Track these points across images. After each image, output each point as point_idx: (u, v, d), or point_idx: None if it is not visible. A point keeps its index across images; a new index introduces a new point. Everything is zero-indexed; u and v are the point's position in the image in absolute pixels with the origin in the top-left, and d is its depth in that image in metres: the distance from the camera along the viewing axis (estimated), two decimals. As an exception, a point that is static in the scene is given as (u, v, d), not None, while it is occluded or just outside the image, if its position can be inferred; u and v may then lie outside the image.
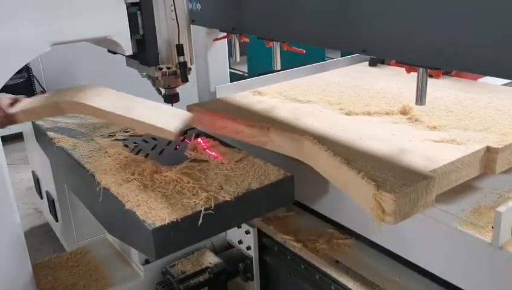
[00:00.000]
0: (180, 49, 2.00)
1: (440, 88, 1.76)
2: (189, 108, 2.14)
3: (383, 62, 2.91)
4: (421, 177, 1.43)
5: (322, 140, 1.69)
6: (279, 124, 1.90)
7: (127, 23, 1.89)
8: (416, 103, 1.63)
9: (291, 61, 2.83)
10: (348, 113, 2.05)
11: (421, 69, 1.61)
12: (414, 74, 2.56)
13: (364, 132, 1.82)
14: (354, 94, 2.31)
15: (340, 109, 2.10)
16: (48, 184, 3.47)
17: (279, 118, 1.99)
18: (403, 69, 2.67)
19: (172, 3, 1.96)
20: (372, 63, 2.90)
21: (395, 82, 2.48)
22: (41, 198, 3.84)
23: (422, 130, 1.82)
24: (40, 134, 2.33)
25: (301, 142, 1.71)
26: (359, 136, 1.78)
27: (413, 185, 1.38)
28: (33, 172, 3.91)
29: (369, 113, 2.04)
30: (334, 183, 1.59)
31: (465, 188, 1.66)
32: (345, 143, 1.71)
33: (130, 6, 1.90)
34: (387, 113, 2.02)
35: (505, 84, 2.44)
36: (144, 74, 2.11)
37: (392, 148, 1.66)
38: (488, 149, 1.63)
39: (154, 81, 2.09)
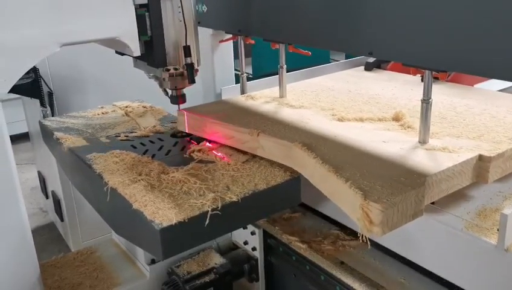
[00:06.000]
0: (187, 51, 2.00)
1: (435, 94, 1.70)
2: (179, 113, 2.12)
3: (379, 67, 2.85)
4: (410, 186, 1.39)
5: (311, 147, 1.66)
6: (270, 129, 1.86)
7: (136, 24, 1.91)
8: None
9: (296, 63, 2.84)
10: (340, 119, 2.00)
11: (427, 71, 1.61)
12: (409, 79, 2.59)
13: (356, 138, 1.77)
14: (348, 100, 2.26)
15: (333, 115, 2.05)
16: (54, 184, 3.49)
17: (271, 123, 1.94)
18: (399, 74, 2.70)
19: (180, 5, 1.97)
20: (368, 68, 2.84)
21: (390, 87, 2.44)
22: (47, 198, 3.86)
23: (414, 137, 1.76)
24: (46, 134, 2.35)
25: (290, 148, 1.69)
26: (350, 143, 1.74)
27: (401, 195, 1.34)
28: (39, 172, 3.93)
29: (361, 120, 1.99)
30: (322, 190, 1.56)
31: (470, 190, 1.66)
32: (335, 150, 1.67)
33: (138, 7, 1.91)
34: (379, 120, 1.97)
35: (501, 90, 2.37)
36: (151, 74, 2.13)
37: (382, 156, 1.63)
38: (481, 158, 1.58)
39: (161, 82, 2.10)
